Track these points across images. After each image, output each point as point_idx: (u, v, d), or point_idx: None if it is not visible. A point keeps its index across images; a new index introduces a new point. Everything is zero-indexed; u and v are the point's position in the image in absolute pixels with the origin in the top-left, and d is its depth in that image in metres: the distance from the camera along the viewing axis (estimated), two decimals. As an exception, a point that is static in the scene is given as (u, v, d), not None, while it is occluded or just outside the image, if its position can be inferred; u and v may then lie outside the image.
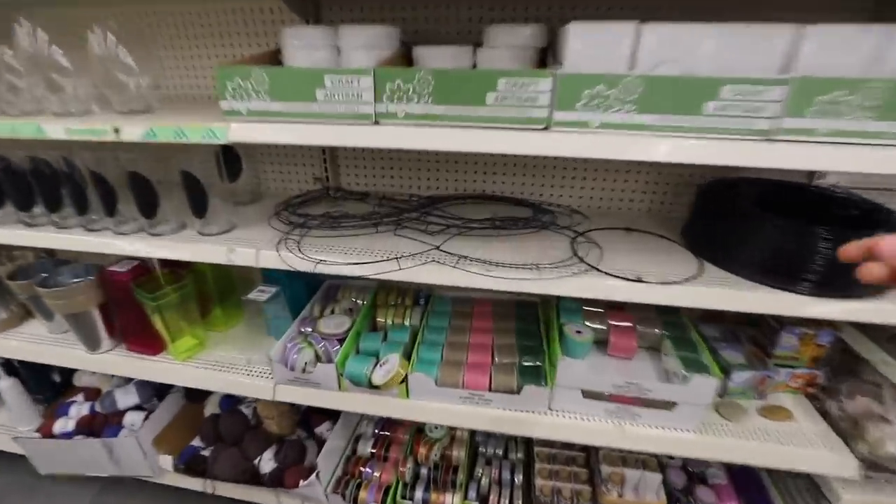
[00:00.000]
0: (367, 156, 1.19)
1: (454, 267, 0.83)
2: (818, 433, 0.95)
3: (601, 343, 1.02)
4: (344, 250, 0.91)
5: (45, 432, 1.29)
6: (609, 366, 0.99)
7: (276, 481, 1.18)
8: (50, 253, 1.42)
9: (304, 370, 1.00)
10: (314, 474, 1.12)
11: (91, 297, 1.08)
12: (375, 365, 1.00)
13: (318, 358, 1.04)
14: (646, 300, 0.80)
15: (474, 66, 0.81)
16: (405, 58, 0.85)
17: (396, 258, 0.85)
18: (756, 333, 1.10)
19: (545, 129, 0.70)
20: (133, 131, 0.83)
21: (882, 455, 0.91)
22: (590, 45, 0.68)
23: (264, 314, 1.14)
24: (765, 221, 0.79)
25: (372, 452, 1.29)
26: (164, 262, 1.13)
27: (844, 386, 0.99)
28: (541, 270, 0.82)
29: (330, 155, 1.19)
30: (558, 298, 1.10)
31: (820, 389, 1.04)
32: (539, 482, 1.16)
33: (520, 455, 1.27)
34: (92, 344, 1.14)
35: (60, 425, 1.30)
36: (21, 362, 1.38)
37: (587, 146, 0.69)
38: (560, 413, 0.96)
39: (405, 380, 0.96)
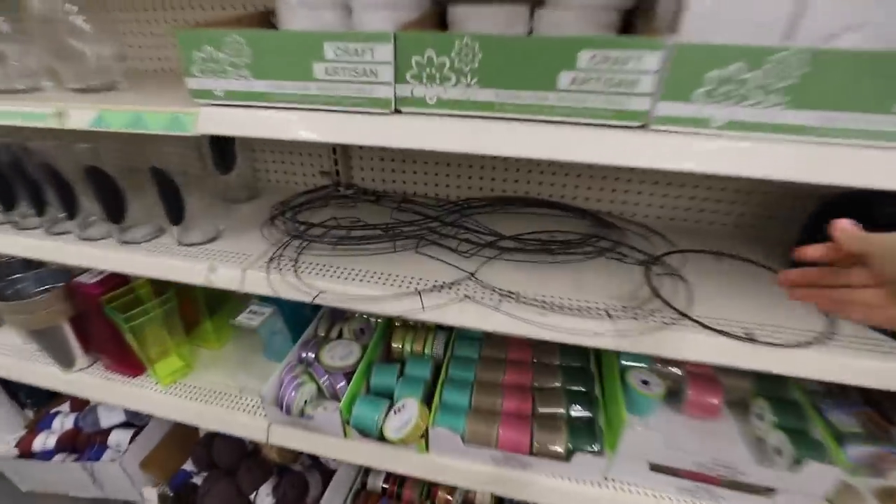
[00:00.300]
0: (386, 148, 0.98)
1: (495, 309, 0.62)
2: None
3: (674, 393, 0.81)
4: (352, 274, 0.71)
5: (25, 448, 1.16)
6: (684, 429, 0.78)
7: (273, 522, 1.03)
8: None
9: (302, 412, 0.82)
10: (317, 521, 0.96)
11: (59, 310, 0.92)
12: (389, 410, 0.81)
13: (321, 392, 0.87)
14: (760, 367, 0.58)
15: (529, 33, 0.58)
16: (437, 21, 0.63)
17: (418, 292, 0.65)
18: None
19: (641, 127, 0.48)
20: (80, 117, 0.64)
21: None
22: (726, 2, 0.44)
23: (259, 336, 0.96)
24: None
25: (384, 488, 1.13)
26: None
27: None
28: (614, 320, 0.60)
29: (341, 146, 0.98)
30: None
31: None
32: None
33: (555, 502, 1.09)
34: (65, 361, 0.99)
35: (41, 441, 1.17)
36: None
37: (705, 157, 0.47)
38: (619, 485, 0.76)
39: (425, 433, 0.78)
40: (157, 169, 0.73)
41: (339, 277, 0.70)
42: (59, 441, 1.16)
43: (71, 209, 0.81)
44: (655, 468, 0.73)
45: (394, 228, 0.80)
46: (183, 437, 1.21)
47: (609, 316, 0.61)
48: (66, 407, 1.27)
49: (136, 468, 1.11)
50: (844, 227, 0.41)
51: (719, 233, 0.88)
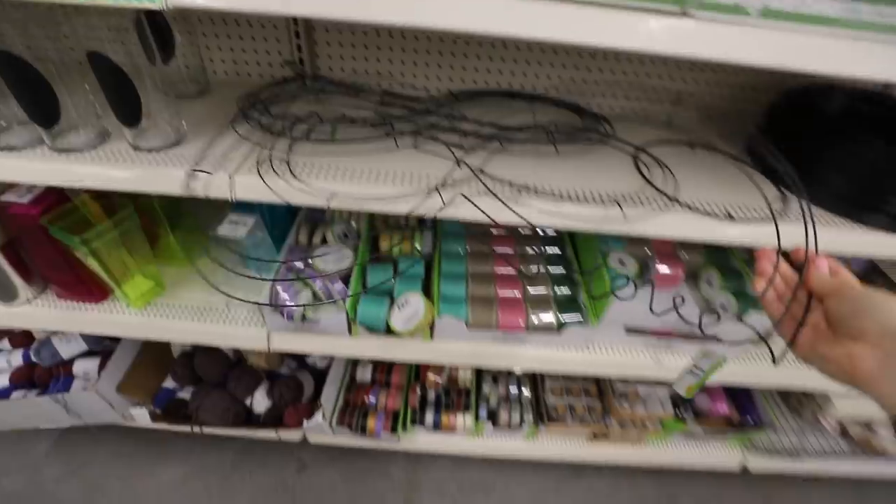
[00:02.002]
0: (357, 30, 0.87)
1: (515, 202, 0.64)
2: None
3: (642, 271, 0.92)
4: (355, 174, 0.67)
5: (-30, 388, 1.06)
6: (655, 299, 0.90)
7: (273, 421, 1.08)
8: None
9: (304, 317, 0.83)
10: (319, 413, 1.02)
11: (-16, 235, 0.78)
12: (391, 306, 0.84)
13: (316, 297, 0.87)
14: (738, 241, 0.67)
15: None
16: None
17: (437, 189, 0.64)
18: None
19: (682, 14, 0.47)
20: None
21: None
22: None
23: (241, 247, 0.90)
24: (862, 142, 0.66)
25: (373, 378, 1.21)
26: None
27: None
28: (620, 206, 0.65)
29: (304, 27, 0.85)
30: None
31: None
32: (552, 400, 1.16)
33: (526, 371, 1.25)
34: (5, 295, 0.87)
35: (-11, 379, 1.07)
36: None
37: (745, 46, 0.48)
38: (600, 348, 0.89)
39: (431, 324, 0.83)
40: (99, 55, 0.59)
41: (342, 177, 0.66)
42: (12, 378, 1.07)
43: (-21, 109, 0.65)
44: (630, 330, 0.86)
45: (387, 123, 0.76)
46: (156, 357, 1.17)
47: (614, 203, 0.65)
48: (5, 344, 1.14)
49: (113, 393, 1.07)
50: (821, 273, 0.45)
51: (689, 125, 0.94)
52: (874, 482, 1.32)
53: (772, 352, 0.50)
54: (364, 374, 1.21)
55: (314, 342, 0.86)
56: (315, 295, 0.86)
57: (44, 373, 1.08)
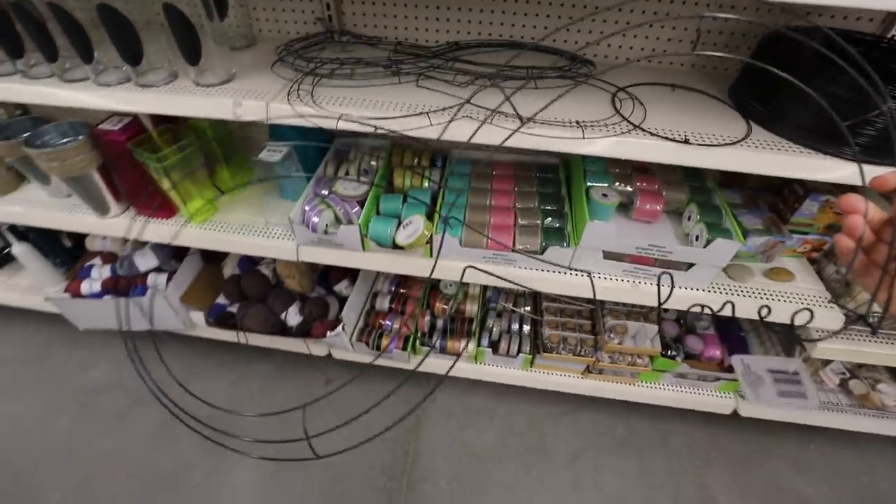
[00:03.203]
0: (376, -10, 1.01)
1: (489, 123, 0.76)
2: (814, 293, 1.02)
3: (626, 206, 1.02)
4: (364, 103, 0.82)
5: (73, 291, 1.33)
6: (632, 229, 0.99)
7: (303, 333, 1.27)
8: (24, 111, 1.29)
9: (325, 231, 1.00)
10: (340, 325, 1.20)
11: (88, 158, 1.00)
12: (398, 226, 0.99)
13: (337, 220, 1.03)
14: (690, 163, 0.76)
15: None
16: None
17: (426, 113, 0.78)
18: (776, 200, 1.10)
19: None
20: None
21: (864, 312, 0.99)
22: None
23: (275, 173, 1.08)
24: (820, 75, 0.72)
25: (390, 307, 1.38)
26: (157, 119, 1.03)
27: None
28: (582, 129, 0.76)
29: (333, -12, 1.01)
30: (583, 159, 1.05)
31: (823, 254, 1.08)
32: (547, 332, 1.27)
33: (528, 309, 1.37)
34: (100, 208, 1.10)
35: (86, 287, 1.33)
36: (29, 228, 1.35)
37: None
38: (580, 273, 1.00)
39: (430, 240, 0.97)
40: (172, 6, 0.77)
41: (353, 105, 0.81)
42: (102, 285, 1.33)
43: (85, 53, 0.85)
44: (608, 255, 0.96)
45: (395, 64, 0.90)
46: (211, 277, 1.40)
47: (579, 126, 0.76)
48: (97, 260, 1.41)
49: (177, 302, 1.31)
50: None
51: (679, 71, 1.01)
52: (873, 437, 1.34)
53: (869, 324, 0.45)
54: (382, 304, 1.38)
55: (334, 254, 1.03)
56: (335, 215, 1.03)
57: (125, 283, 1.33)
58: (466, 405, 1.45)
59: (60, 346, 1.57)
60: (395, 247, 0.98)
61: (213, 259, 1.44)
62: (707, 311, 0.62)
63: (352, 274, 1.39)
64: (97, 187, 1.07)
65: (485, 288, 1.41)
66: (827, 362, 1.34)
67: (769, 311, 0.94)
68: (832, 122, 0.74)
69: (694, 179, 1.04)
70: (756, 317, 0.99)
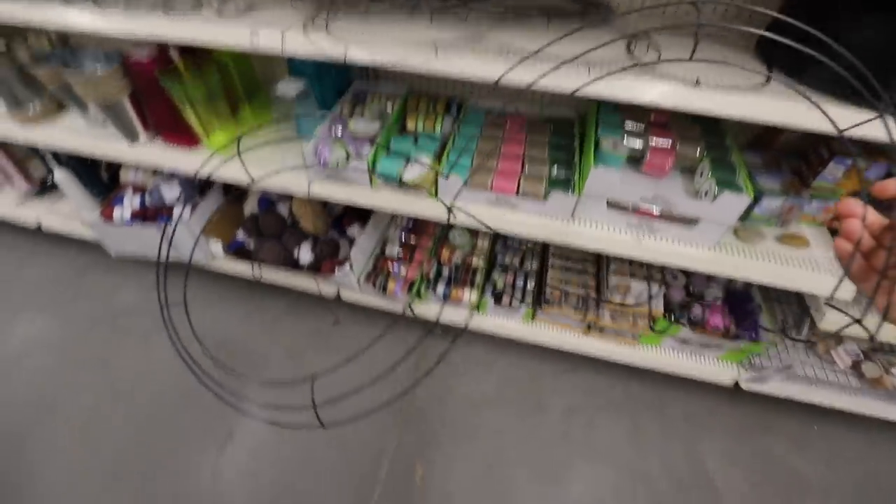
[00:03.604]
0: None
1: (496, 57, 0.76)
2: (827, 260, 0.98)
3: (637, 161, 1.00)
4: (376, 36, 0.83)
5: (107, 217, 1.42)
6: (640, 181, 0.98)
7: (313, 270, 1.33)
8: (62, 41, 1.36)
9: (336, 166, 1.03)
10: (347, 264, 1.25)
11: (120, 85, 1.06)
12: (406, 165, 1.01)
13: (348, 158, 1.06)
14: (697, 108, 0.74)
15: None
16: None
17: (435, 47, 0.78)
18: (801, 165, 1.05)
19: None
20: None
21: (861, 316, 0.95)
22: None
23: (294, 112, 1.11)
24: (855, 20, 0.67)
25: (399, 254, 1.42)
26: (183, 52, 1.07)
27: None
28: (582, 66, 0.75)
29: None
30: (598, 111, 1.04)
31: (845, 222, 1.04)
32: (550, 288, 1.28)
33: (534, 266, 1.38)
34: (130, 135, 1.17)
35: (118, 213, 1.42)
36: (70, 158, 1.45)
37: None
38: (583, 222, 1.00)
39: (435, 180, 0.99)
40: (195, -73, 0.79)
41: (366, 38, 0.82)
42: (132, 214, 1.42)
43: (117, -23, 0.89)
44: (611, 205, 0.95)
45: (410, 2, 0.90)
46: (232, 214, 1.47)
47: (582, 64, 0.75)
48: (129, 191, 1.50)
49: (199, 233, 1.38)
50: None
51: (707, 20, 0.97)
52: (882, 425, 1.30)
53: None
54: (392, 250, 1.42)
55: (343, 190, 1.06)
56: (347, 153, 1.05)
57: (153, 213, 1.41)
58: (467, 355, 1.49)
59: (94, 271, 1.69)
60: (402, 185, 1.01)
61: (234, 197, 1.50)
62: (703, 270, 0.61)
63: (363, 219, 1.43)
64: (128, 115, 1.13)
65: (493, 244, 1.43)
66: (839, 341, 1.31)
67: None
68: (861, 74, 0.70)
69: (712, 136, 1.01)
70: (765, 281, 0.97)
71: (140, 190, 1.50)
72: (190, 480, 1.22)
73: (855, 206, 0.38)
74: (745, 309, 1.29)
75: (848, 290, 0.95)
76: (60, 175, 1.43)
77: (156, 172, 1.50)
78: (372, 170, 1.01)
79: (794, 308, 1.34)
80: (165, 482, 1.21)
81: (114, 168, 1.63)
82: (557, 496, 1.21)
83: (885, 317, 0.35)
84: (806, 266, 0.97)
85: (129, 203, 1.44)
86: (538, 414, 1.36)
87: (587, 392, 1.42)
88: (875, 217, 0.38)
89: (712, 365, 1.30)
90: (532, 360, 1.48)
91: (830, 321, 1.03)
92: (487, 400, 1.39)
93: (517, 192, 0.97)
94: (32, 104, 1.27)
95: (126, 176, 1.55)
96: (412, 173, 0.98)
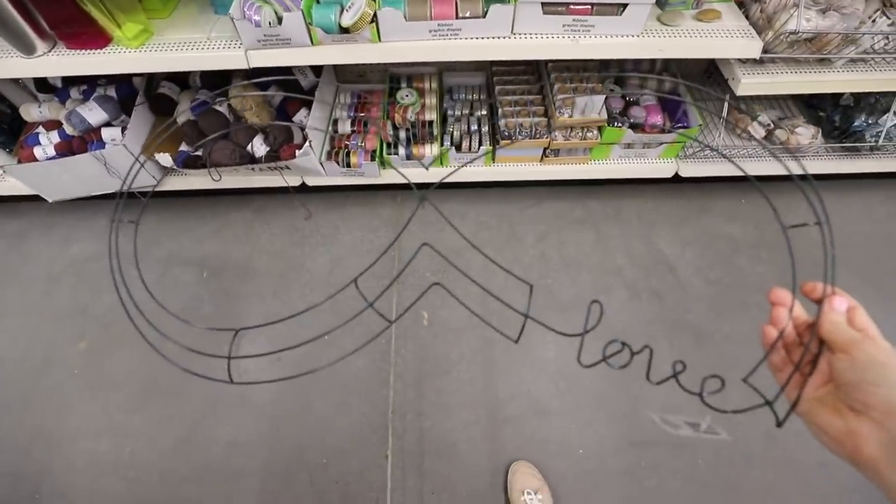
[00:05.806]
0: None
1: None
2: (738, 28, 1.10)
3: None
4: None
5: (27, 159, 1.31)
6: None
7: (272, 160, 1.32)
8: None
9: (270, 25, 0.99)
10: (307, 143, 1.25)
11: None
12: (342, 12, 0.99)
13: (280, 19, 1.02)
14: None
15: None
16: None
17: None
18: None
19: None
20: None
21: (781, 34, 1.08)
22: None
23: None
24: None
25: (353, 130, 1.42)
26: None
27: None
28: None
29: None
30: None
31: (749, -5, 1.14)
32: (503, 121, 1.35)
33: (484, 112, 1.44)
34: (25, 47, 1.04)
35: (40, 153, 1.31)
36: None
37: None
38: (522, 35, 1.04)
39: (374, 19, 0.98)
40: None
41: None
42: (56, 149, 1.31)
43: None
44: (547, 10, 1.00)
45: None
46: (166, 129, 1.38)
47: None
48: (41, 128, 1.36)
49: (138, 151, 1.31)
50: (836, 318, 0.37)
51: None
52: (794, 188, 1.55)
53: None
54: (344, 127, 1.42)
55: (284, 54, 1.03)
56: (275, 12, 1.01)
57: (80, 142, 1.31)
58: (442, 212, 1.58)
59: (35, 230, 1.58)
60: (343, 31, 0.99)
61: (163, 111, 1.40)
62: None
63: (307, 105, 1.40)
64: (14, 21, 1.00)
65: (441, 97, 1.45)
66: (755, 117, 1.50)
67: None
68: None
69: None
70: (687, 55, 1.08)
71: (54, 126, 1.36)
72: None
73: (784, 296, 0.41)
74: (676, 106, 1.43)
75: (755, 49, 1.08)
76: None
77: (63, 100, 1.36)
78: (308, 21, 0.98)
79: (716, 104, 1.50)
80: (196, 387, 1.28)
81: (10, 113, 1.46)
82: (548, 304, 1.40)
83: (793, 407, 0.37)
84: (720, 35, 1.08)
85: (48, 139, 1.32)
86: (514, 244, 1.51)
87: (553, 218, 1.58)
88: (800, 312, 0.41)
89: (654, 163, 1.47)
90: (499, 204, 1.60)
91: (745, 86, 1.18)
92: (467, 245, 1.51)
93: (456, 16, 0.99)
94: None
95: (29, 114, 1.39)
96: (350, 17, 0.96)
